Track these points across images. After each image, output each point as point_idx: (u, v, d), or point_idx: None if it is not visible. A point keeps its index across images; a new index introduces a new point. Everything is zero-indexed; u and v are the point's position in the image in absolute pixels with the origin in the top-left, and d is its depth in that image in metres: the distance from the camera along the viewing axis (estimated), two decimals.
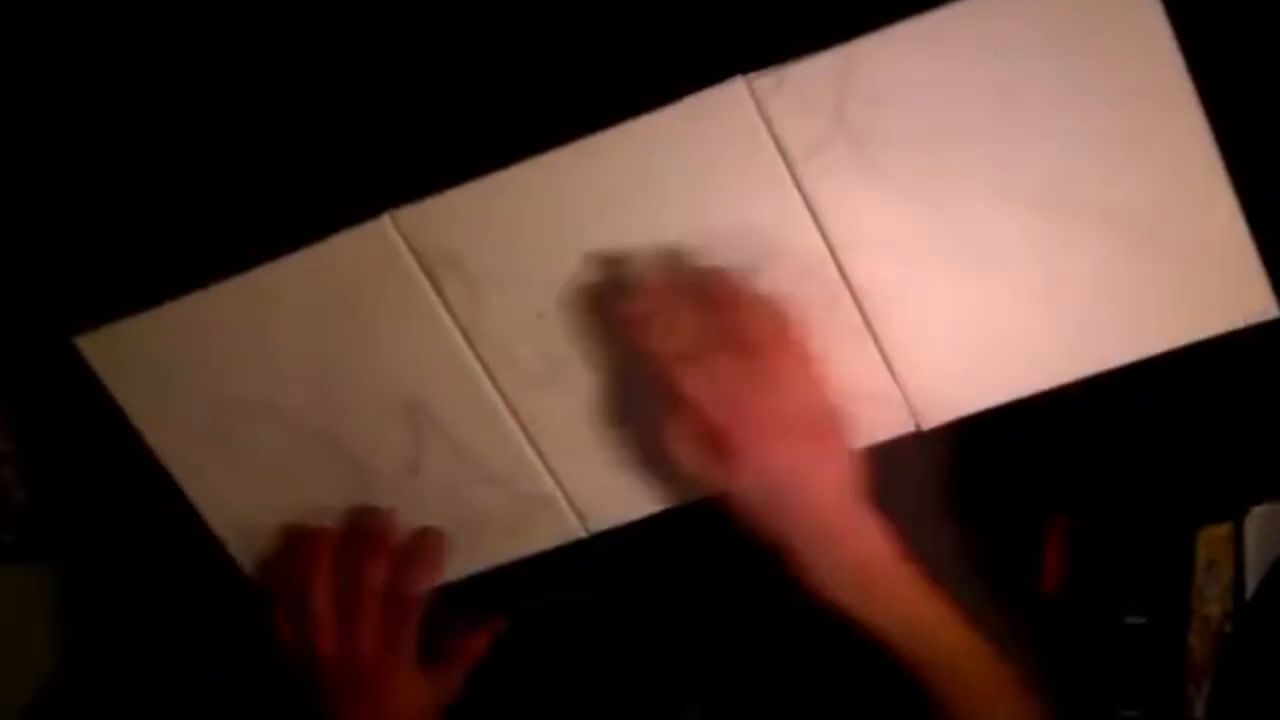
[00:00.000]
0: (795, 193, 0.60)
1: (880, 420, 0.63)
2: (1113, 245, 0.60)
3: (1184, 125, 0.58)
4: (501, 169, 0.60)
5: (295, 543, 0.66)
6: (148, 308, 0.64)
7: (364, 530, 0.65)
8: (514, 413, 0.65)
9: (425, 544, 0.66)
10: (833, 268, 0.61)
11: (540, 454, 0.66)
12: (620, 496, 0.66)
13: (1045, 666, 0.65)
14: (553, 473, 0.66)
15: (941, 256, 0.61)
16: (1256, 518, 0.66)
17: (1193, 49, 0.57)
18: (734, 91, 0.58)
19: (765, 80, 0.58)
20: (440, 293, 0.63)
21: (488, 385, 0.64)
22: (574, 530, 0.67)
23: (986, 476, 0.66)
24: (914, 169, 0.59)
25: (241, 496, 0.67)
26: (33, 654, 0.73)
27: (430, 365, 0.64)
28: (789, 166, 0.60)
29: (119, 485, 0.70)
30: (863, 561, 0.59)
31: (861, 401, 0.62)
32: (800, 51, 0.58)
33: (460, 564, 0.68)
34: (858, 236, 0.61)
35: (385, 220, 0.62)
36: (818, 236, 0.60)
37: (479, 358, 0.64)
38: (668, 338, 0.58)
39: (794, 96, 0.59)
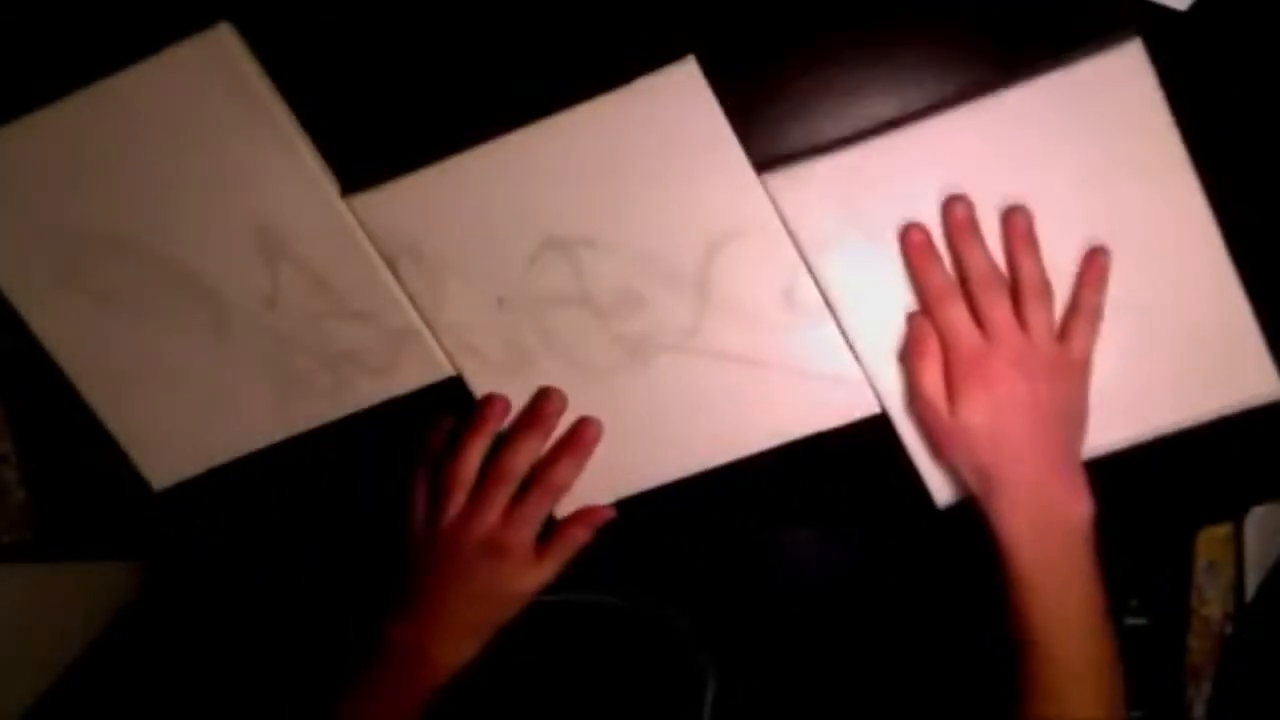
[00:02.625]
0: (750, 172, 0.59)
1: (844, 402, 0.63)
2: (1116, 327, 0.60)
3: (1187, 211, 0.58)
4: (456, 154, 0.60)
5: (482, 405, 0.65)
6: None
7: (533, 410, 0.64)
8: (372, 240, 0.61)
9: (579, 433, 0.64)
10: (790, 248, 0.60)
11: (403, 286, 0.62)
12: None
13: None
14: (419, 308, 0.63)
15: None
16: (1256, 518, 0.66)
17: (1194, 134, 0.57)
18: (686, 71, 0.58)
19: (777, 178, 0.59)
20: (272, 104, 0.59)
21: (342, 208, 0.61)
22: (442, 369, 0.64)
23: None
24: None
25: (99, 339, 0.65)
26: (34, 654, 0.73)
27: (281, 188, 0.61)
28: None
29: (115, 485, 0.70)
30: (1059, 520, 0.58)
31: (823, 383, 0.62)
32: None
33: (330, 408, 0.65)
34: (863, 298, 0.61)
35: (223, 29, 0.58)
36: (773, 214, 0.60)
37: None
38: (948, 269, 0.59)
39: (806, 193, 0.59)
